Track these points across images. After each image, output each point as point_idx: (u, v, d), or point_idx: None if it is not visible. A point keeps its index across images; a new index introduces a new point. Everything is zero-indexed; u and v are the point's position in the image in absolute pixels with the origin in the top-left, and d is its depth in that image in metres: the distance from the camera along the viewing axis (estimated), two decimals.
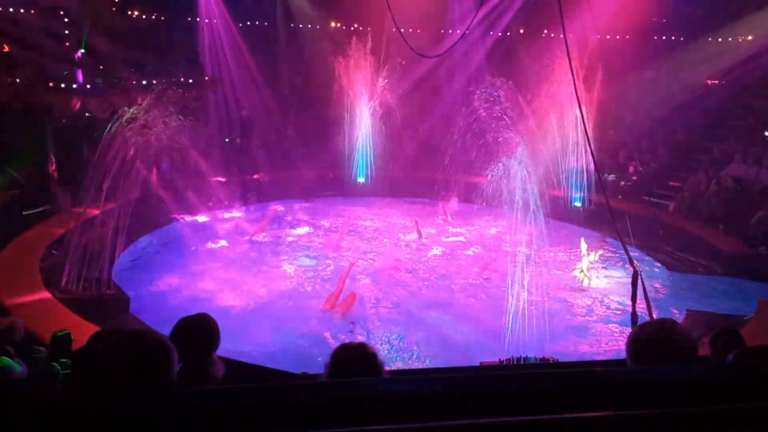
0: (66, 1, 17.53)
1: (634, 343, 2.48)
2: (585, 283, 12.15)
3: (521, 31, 20.68)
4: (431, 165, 18.94)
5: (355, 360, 2.62)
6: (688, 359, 2.38)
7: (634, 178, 17.13)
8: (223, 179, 16.77)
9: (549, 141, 15.70)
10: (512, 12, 20.44)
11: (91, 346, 3.81)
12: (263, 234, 14.71)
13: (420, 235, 14.82)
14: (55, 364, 5.50)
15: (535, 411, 1.62)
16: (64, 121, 15.85)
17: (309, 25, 20.90)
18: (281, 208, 15.34)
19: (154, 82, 15.72)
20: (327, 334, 9.99)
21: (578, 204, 16.43)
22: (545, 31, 20.01)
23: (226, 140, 19.01)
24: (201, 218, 15.42)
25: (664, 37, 20.58)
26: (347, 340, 2.82)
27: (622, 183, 16.98)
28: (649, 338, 2.44)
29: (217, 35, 20.01)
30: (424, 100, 20.72)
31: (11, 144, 13.65)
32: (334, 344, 2.81)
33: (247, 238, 14.57)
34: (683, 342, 2.43)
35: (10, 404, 1.70)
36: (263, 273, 12.62)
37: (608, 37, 19.92)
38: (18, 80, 15.68)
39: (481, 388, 1.79)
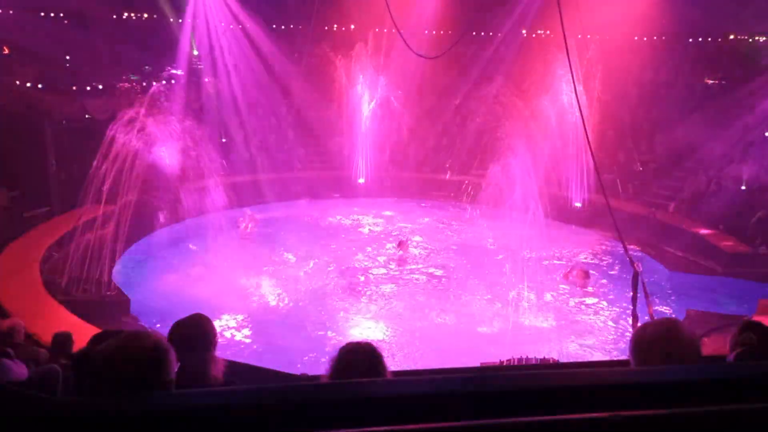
0: (67, 5, 17.56)
1: (637, 342, 2.48)
2: None
3: (523, 32, 20.68)
4: (432, 166, 18.95)
5: (362, 360, 2.61)
6: (692, 359, 2.38)
7: (636, 182, 17.12)
8: (221, 180, 16.72)
9: (549, 141, 15.70)
10: (513, 13, 20.47)
11: (92, 347, 3.81)
12: (249, 232, 14.70)
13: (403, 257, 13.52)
14: (55, 365, 5.51)
15: (536, 412, 1.61)
16: (64, 122, 15.86)
17: (309, 27, 20.91)
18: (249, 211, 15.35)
19: (154, 83, 15.73)
20: (327, 335, 9.99)
21: (578, 204, 16.44)
22: (545, 32, 20.01)
23: (223, 140, 18.98)
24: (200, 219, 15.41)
25: (663, 38, 20.58)
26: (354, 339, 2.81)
27: (630, 186, 16.91)
28: (653, 338, 2.43)
29: (215, 36, 20.00)
30: (424, 101, 20.73)
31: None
32: (334, 345, 2.78)
33: (247, 226, 14.60)
34: (686, 342, 2.42)
35: (11, 406, 1.70)
36: (263, 273, 12.61)
37: (608, 37, 19.92)
38: (18, 82, 15.72)
39: (481, 388, 1.79)
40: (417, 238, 14.94)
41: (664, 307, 11.07)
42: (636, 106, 19.14)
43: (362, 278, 12.48)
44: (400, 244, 13.52)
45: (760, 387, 1.80)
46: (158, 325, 9.66)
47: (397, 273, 12.79)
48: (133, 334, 2.31)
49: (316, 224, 16.31)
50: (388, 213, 17.34)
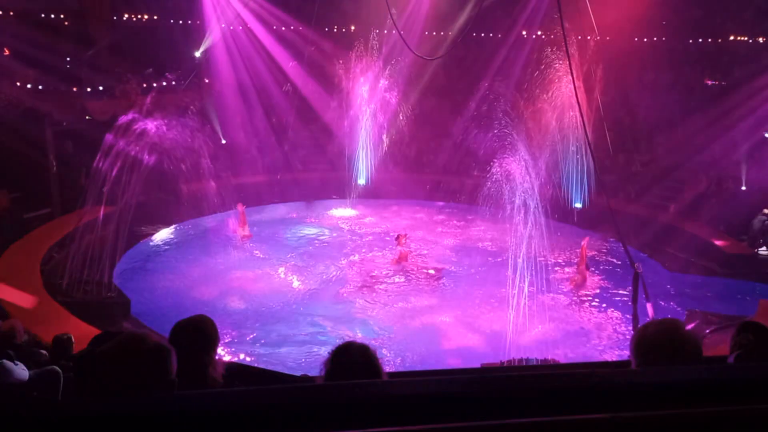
0: (66, 4, 17.57)
1: (638, 343, 2.48)
2: None
3: (524, 33, 20.70)
4: (432, 167, 18.93)
5: (357, 360, 2.60)
6: (693, 360, 2.38)
7: (636, 183, 17.10)
8: (220, 181, 16.73)
9: (549, 142, 15.70)
10: (513, 14, 20.50)
11: (92, 349, 3.81)
12: (244, 231, 14.63)
13: (402, 254, 13.38)
14: (56, 367, 5.50)
15: (537, 413, 1.61)
16: (64, 124, 15.87)
17: (310, 27, 20.92)
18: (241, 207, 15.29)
19: (154, 85, 15.75)
20: (326, 336, 9.99)
21: (579, 205, 16.43)
22: (546, 33, 20.03)
23: (223, 142, 18.98)
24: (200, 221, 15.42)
25: (664, 38, 20.60)
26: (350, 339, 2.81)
27: (630, 187, 16.88)
28: (654, 338, 2.43)
29: (217, 36, 20.01)
30: (424, 102, 20.73)
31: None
32: (335, 346, 2.77)
33: (242, 233, 14.56)
34: (688, 342, 2.43)
35: (12, 407, 1.70)
36: (263, 274, 12.61)
37: (608, 38, 19.93)
38: (18, 84, 15.72)
39: (482, 390, 1.79)
40: (418, 241, 14.92)
41: (664, 308, 11.06)
42: (636, 107, 19.13)
43: (364, 279, 12.48)
44: (398, 239, 13.52)
45: (761, 388, 1.80)
46: (159, 329, 9.65)
47: (397, 274, 12.78)
48: (134, 335, 2.31)
49: (316, 225, 16.31)
50: (388, 214, 17.33)
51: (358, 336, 9.98)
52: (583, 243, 12.61)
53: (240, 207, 14.85)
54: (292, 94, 19.60)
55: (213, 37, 19.84)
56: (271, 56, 20.22)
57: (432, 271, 13.07)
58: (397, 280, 12.52)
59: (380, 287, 12.14)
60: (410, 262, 13.29)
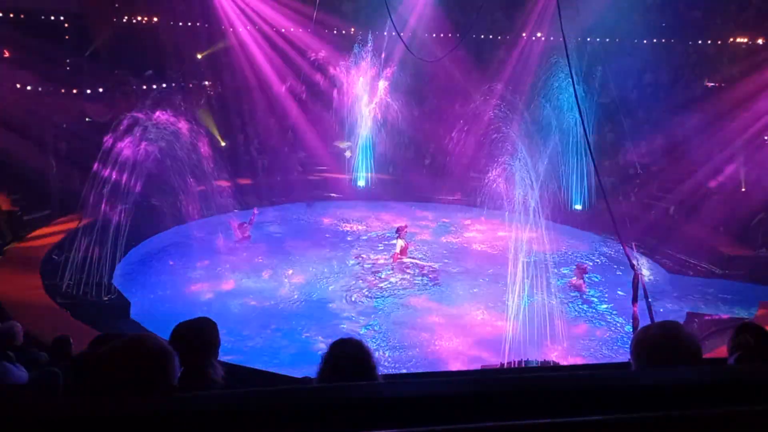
0: (67, 5, 17.59)
1: (638, 344, 2.48)
2: None
3: (524, 35, 20.70)
4: (432, 168, 18.91)
5: (350, 353, 2.67)
6: (693, 361, 2.38)
7: (637, 181, 17.09)
8: (222, 183, 16.72)
9: (549, 143, 15.69)
10: (514, 16, 20.51)
11: (92, 350, 3.81)
12: (247, 235, 14.60)
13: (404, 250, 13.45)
14: (55, 368, 5.50)
15: (537, 415, 1.61)
16: (64, 126, 15.88)
17: (310, 29, 20.93)
18: (257, 211, 15.27)
19: (155, 86, 15.75)
20: (328, 337, 9.98)
21: (578, 206, 16.42)
22: (546, 35, 20.03)
23: (222, 144, 18.97)
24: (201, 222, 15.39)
25: (663, 40, 20.59)
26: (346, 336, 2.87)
27: (629, 191, 16.84)
28: (654, 340, 2.44)
29: (217, 37, 20.02)
30: (425, 104, 20.73)
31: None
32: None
33: (239, 237, 14.54)
34: (688, 344, 2.43)
35: (11, 409, 1.70)
36: (262, 276, 12.61)
37: (608, 39, 19.95)
38: (18, 85, 15.74)
39: (482, 391, 1.79)
40: (416, 242, 14.91)
41: (664, 310, 11.06)
42: (636, 109, 19.12)
43: (363, 280, 12.48)
44: (400, 230, 13.52)
45: (761, 390, 1.80)
46: (158, 331, 9.64)
47: (396, 275, 12.77)
48: (136, 337, 2.30)
49: (316, 227, 16.31)
50: (387, 215, 17.33)
51: (356, 336, 9.96)
52: (584, 266, 12.60)
53: (255, 211, 14.92)
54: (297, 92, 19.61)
55: (215, 38, 19.86)
56: (271, 57, 20.23)
57: (432, 267, 13.08)
58: (396, 280, 12.52)
59: (380, 288, 12.14)
60: (409, 264, 13.27)
